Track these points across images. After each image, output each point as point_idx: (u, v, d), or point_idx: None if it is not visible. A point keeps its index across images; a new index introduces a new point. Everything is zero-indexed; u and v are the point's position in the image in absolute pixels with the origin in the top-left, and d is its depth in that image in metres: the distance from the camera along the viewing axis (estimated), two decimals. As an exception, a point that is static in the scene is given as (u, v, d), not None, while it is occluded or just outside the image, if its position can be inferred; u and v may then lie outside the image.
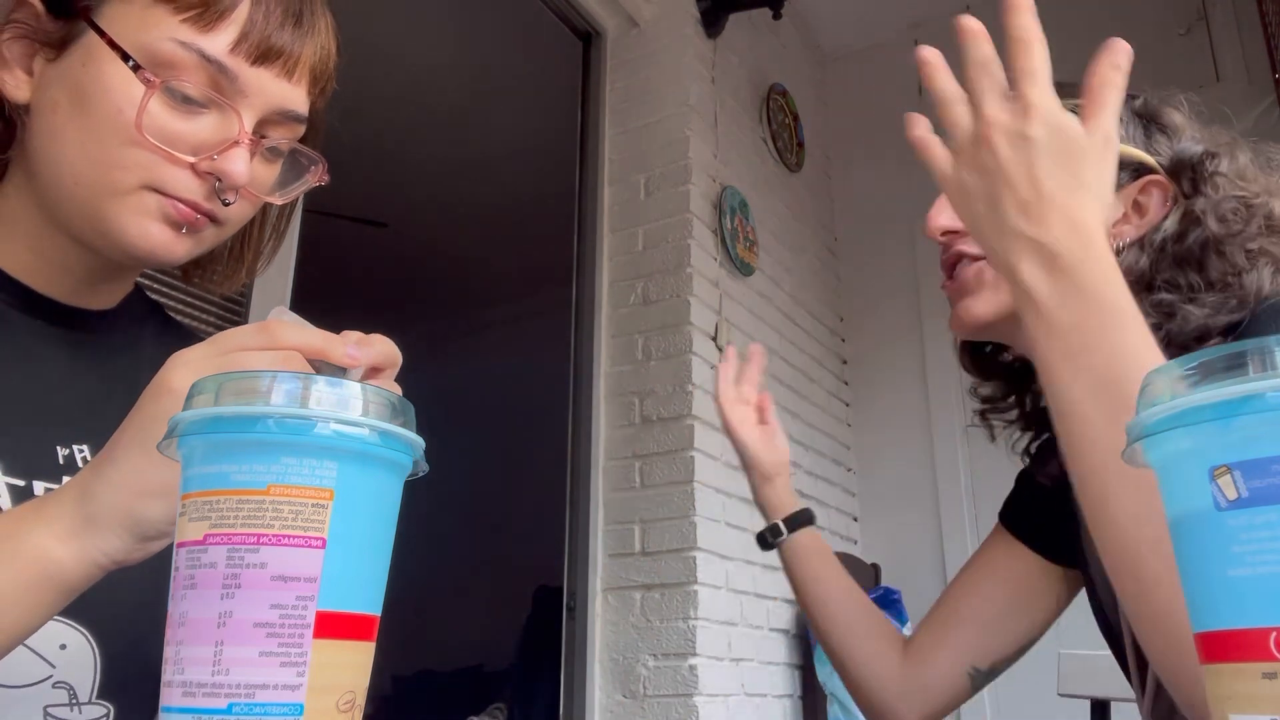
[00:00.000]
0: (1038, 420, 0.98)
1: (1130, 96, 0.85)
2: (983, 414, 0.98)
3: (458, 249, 4.59)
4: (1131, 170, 0.83)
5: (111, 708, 0.65)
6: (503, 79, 3.48)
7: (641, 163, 2.73)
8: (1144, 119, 0.85)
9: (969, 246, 0.86)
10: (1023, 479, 1.05)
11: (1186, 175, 0.82)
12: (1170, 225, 0.81)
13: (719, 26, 2.89)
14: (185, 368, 0.49)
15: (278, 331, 0.49)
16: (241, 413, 0.39)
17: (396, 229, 4.04)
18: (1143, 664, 0.89)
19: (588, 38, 2.91)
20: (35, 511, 0.50)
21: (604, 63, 2.88)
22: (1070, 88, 0.86)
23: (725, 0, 2.87)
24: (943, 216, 0.87)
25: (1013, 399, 0.97)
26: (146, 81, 0.62)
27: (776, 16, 2.98)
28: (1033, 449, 0.99)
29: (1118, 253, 0.81)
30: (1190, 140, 0.84)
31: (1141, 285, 0.80)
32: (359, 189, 3.42)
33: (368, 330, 0.54)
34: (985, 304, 0.85)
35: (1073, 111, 0.82)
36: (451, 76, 3.53)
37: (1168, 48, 2.91)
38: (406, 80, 3.43)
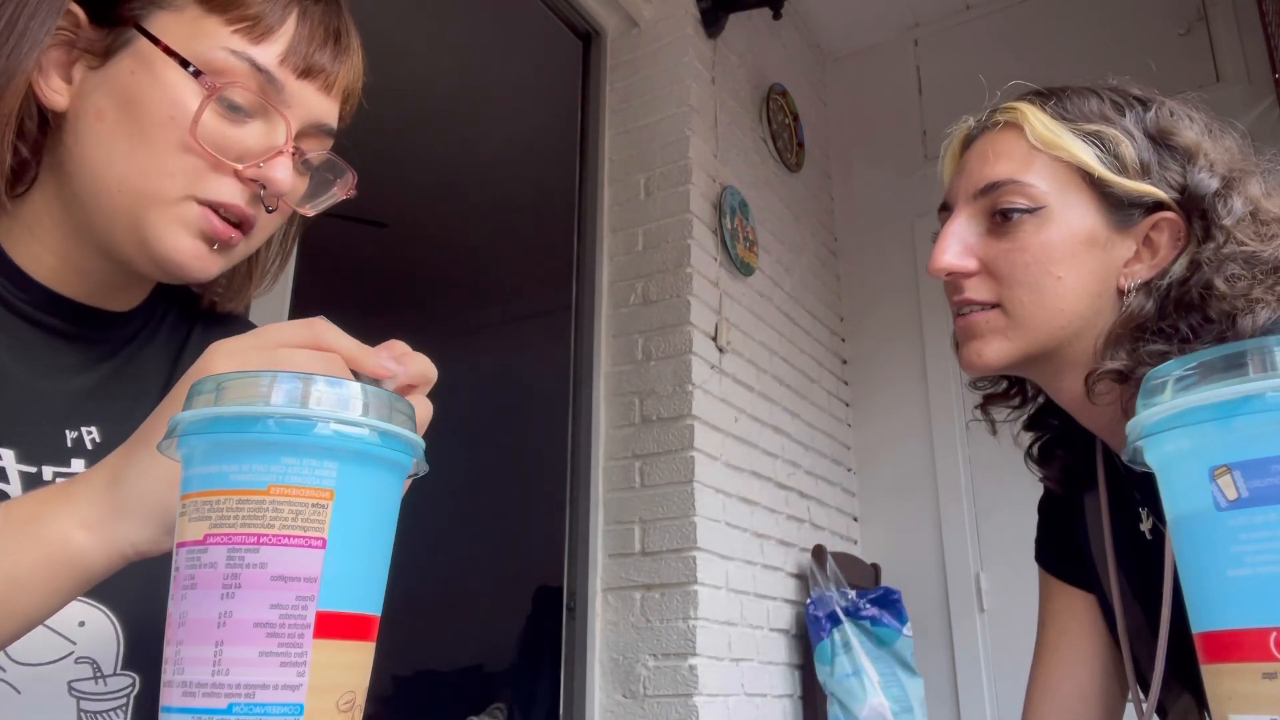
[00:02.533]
0: (1038, 421, 0.97)
1: (1140, 103, 0.83)
2: (983, 407, 0.96)
3: (458, 249, 4.59)
4: (1144, 208, 0.80)
5: (137, 677, 0.66)
6: (503, 79, 3.48)
7: (641, 163, 2.73)
8: (1155, 140, 0.81)
9: (976, 293, 0.84)
10: (1041, 508, 1.04)
11: (1198, 215, 0.79)
12: (1178, 270, 0.79)
13: (719, 26, 2.89)
14: (227, 357, 0.48)
15: (323, 332, 0.49)
16: (241, 413, 0.39)
17: (396, 229, 4.03)
18: (1143, 680, 0.89)
19: (588, 38, 2.91)
20: (62, 495, 0.50)
21: (604, 63, 2.88)
22: (1057, 92, 0.85)
23: (725, 0, 2.87)
24: (947, 255, 0.84)
25: (1014, 391, 0.96)
26: (208, 87, 0.63)
27: (776, 16, 2.98)
28: (1035, 451, 0.98)
29: (1126, 293, 0.80)
30: (1204, 168, 0.80)
31: (1143, 331, 0.78)
32: (359, 189, 3.40)
33: (370, 331, 0.54)
34: (995, 351, 0.83)
35: (1081, 136, 0.80)
36: (451, 76, 3.53)
37: (1168, 48, 2.90)
38: (406, 80, 3.42)
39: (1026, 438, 0.99)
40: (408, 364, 0.52)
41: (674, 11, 2.82)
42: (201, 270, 0.67)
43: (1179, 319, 0.77)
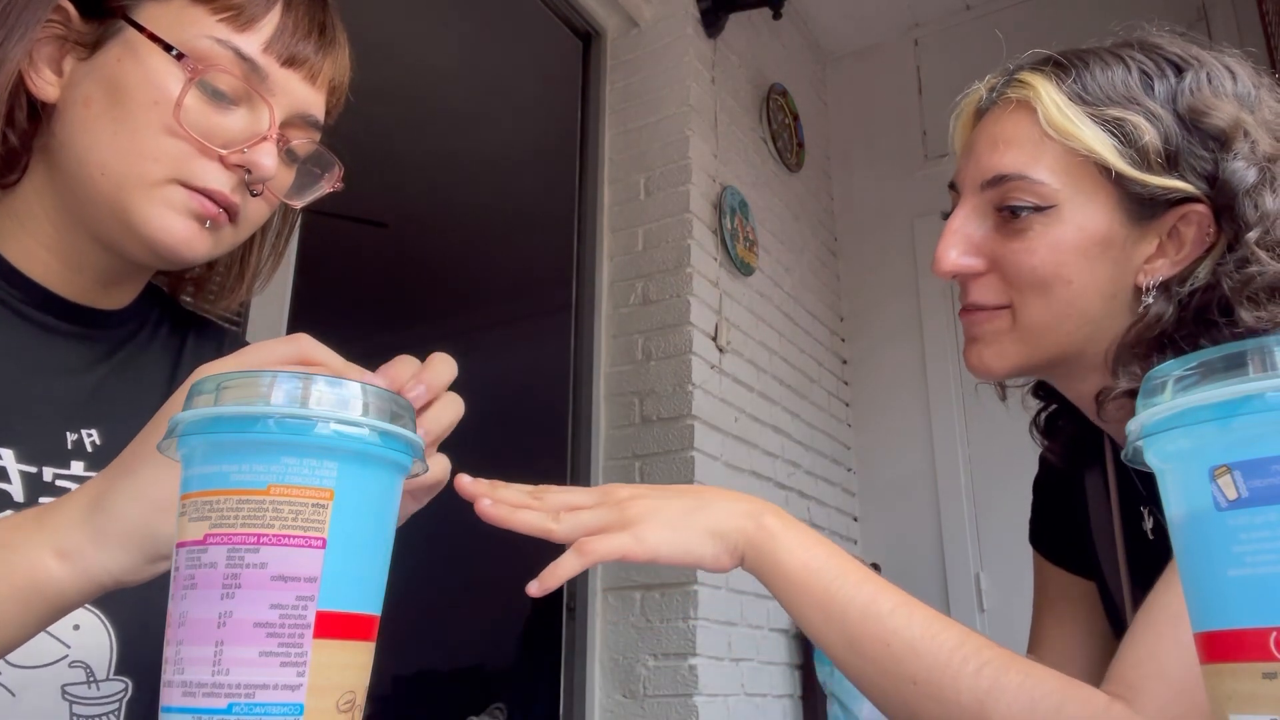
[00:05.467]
0: (1046, 388, 0.93)
1: (1175, 69, 0.75)
2: None
3: (458, 249, 4.59)
4: (1167, 202, 0.73)
5: (130, 682, 0.66)
6: (503, 79, 3.48)
7: (641, 163, 2.73)
8: (1185, 122, 0.73)
9: (984, 296, 0.79)
10: (1037, 488, 1.01)
11: (1228, 214, 0.71)
12: (1202, 276, 0.72)
13: (719, 26, 2.89)
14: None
15: (309, 348, 0.49)
16: (242, 412, 0.39)
17: (396, 229, 4.03)
18: None
19: (588, 38, 2.91)
20: (37, 521, 0.49)
21: (604, 63, 2.88)
22: (1078, 63, 0.77)
23: (725, 0, 2.87)
24: (952, 253, 0.79)
25: None
26: (190, 70, 0.64)
27: (776, 16, 2.98)
28: (1042, 421, 0.94)
29: (1145, 291, 0.74)
30: (1242, 154, 0.71)
31: (1159, 343, 0.73)
32: (359, 189, 3.39)
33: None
34: (1000, 359, 0.79)
35: (1099, 123, 0.74)
36: (452, 76, 3.53)
37: (1168, 48, 2.90)
38: (406, 80, 3.42)
39: (1034, 403, 0.95)
40: (428, 379, 0.52)
41: (674, 11, 2.82)
42: (191, 250, 0.67)
43: (1201, 333, 0.71)
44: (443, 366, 0.53)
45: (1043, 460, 0.99)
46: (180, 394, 0.49)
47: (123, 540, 0.48)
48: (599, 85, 2.85)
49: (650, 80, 2.80)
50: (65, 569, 0.48)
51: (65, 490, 0.65)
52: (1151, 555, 0.85)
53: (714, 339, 2.58)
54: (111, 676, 0.65)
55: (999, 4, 3.33)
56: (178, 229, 0.66)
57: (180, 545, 0.40)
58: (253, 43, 0.66)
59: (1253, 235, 0.70)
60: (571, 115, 2.87)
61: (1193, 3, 3.01)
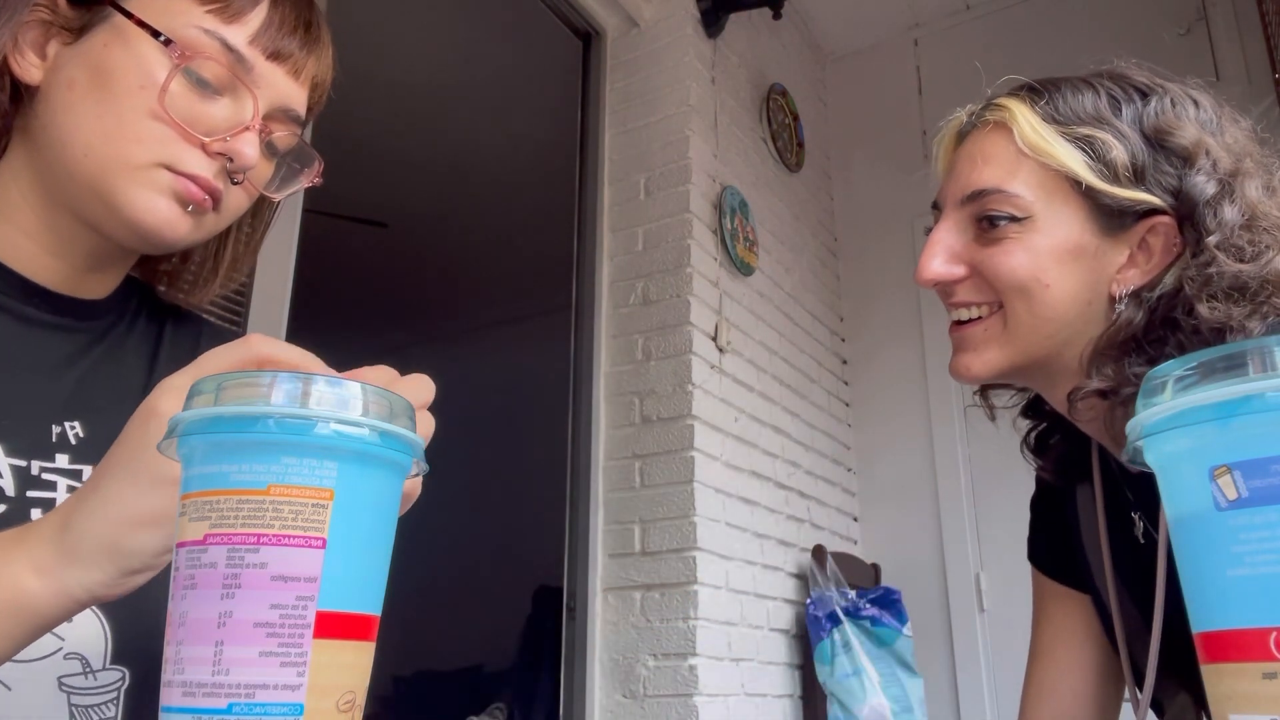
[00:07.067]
0: (1035, 408, 0.96)
1: (1140, 95, 0.80)
2: (982, 392, 0.95)
3: (458, 249, 4.59)
4: (1137, 213, 0.78)
5: (127, 671, 0.66)
6: (503, 79, 3.48)
7: (641, 163, 2.73)
8: (1151, 141, 0.78)
9: (969, 295, 0.83)
10: (1034, 506, 1.03)
11: (1191, 224, 0.76)
12: (1169, 282, 0.77)
13: (719, 26, 2.89)
14: (170, 393, 0.49)
15: (258, 346, 0.49)
16: (242, 412, 0.39)
17: (396, 229, 4.03)
18: (1139, 679, 0.89)
19: (588, 38, 2.91)
20: (17, 539, 0.50)
21: (604, 63, 2.88)
22: (1050, 88, 0.82)
23: (725, 0, 2.87)
24: (934, 264, 0.83)
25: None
26: (177, 57, 0.65)
27: (776, 16, 2.98)
28: (1032, 440, 0.97)
29: (1118, 300, 0.78)
30: (1204, 170, 0.77)
31: (1130, 346, 0.77)
32: (359, 189, 3.41)
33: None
34: (983, 363, 0.82)
35: (1071, 141, 0.79)
36: (452, 76, 3.53)
37: (1168, 48, 2.90)
38: (407, 80, 3.42)
39: (1025, 424, 0.98)
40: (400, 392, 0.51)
41: (674, 11, 2.82)
42: (173, 232, 0.68)
43: (1168, 334, 0.75)
44: (416, 388, 0.51)
45: (1039, 479, 1.00)
46: (144, 409, 0.49)
47: (91, 557, 0.48)
48: (599, 85, 2.86)
49: (650, 80, 2.80)
50: (41, 585, 0.48)
51: (51, 483, 0.66)
52: (1142, 561, 0.85)
53: (714, 339, 2.58)
54: (108, 666, 0.65)
55: (999, 4, 3.33)
56: (161, 210, 0.67)
57: (180, 545, 0.40)
58: (239, 35, 0.68)
59: (1213, 240, 0.74)
60: (571, 115, 2.87)
61: (1193, 3, 3.01)
